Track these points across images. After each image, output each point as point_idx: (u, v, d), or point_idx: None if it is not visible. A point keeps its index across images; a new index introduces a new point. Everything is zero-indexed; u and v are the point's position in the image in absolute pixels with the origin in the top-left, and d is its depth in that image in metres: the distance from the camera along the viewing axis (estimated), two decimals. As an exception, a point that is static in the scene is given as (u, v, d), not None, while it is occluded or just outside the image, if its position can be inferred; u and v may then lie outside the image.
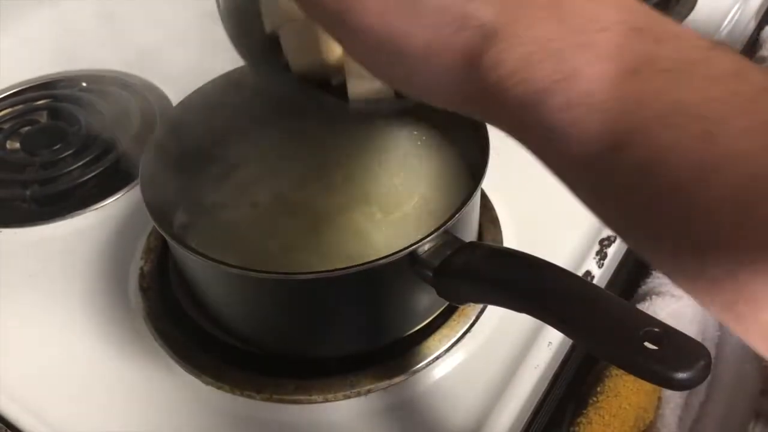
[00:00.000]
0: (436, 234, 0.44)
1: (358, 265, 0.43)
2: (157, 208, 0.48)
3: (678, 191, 0.23)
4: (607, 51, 0.24)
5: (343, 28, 0.29)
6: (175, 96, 0.73)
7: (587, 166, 0.25)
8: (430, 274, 0.44)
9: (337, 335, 0.50)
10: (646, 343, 0.34)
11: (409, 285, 0.47)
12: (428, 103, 0.30)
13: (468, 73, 0.27)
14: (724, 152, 0.22)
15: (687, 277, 0.25)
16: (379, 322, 0.50)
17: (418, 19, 0.27)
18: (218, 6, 0.41)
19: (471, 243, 0.45)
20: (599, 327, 0.37)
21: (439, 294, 0.45)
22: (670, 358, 0.34)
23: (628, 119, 0.23)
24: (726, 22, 0.79)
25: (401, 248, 0.43)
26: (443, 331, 0.52)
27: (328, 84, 0.40)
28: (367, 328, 0.50)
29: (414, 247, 0.44)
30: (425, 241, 0.44)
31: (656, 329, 0.35)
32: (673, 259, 0.25)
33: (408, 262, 0.44)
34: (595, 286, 0.40)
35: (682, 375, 0.34)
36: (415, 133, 0.59)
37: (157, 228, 0.47)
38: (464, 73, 0.27)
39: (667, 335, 0.34)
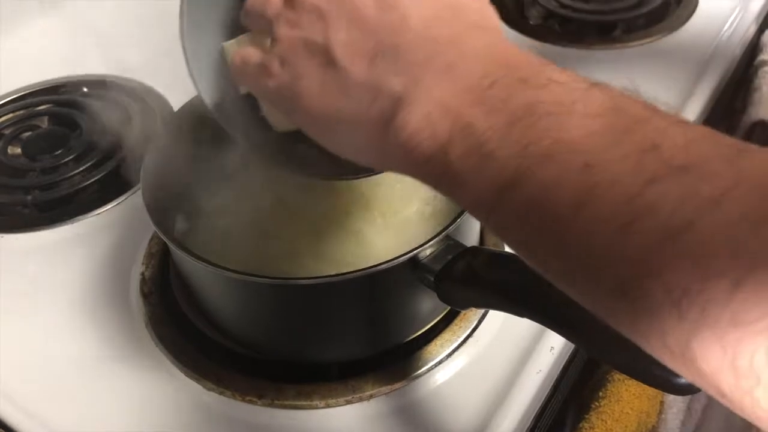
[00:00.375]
0: (437, 239, 0.44)
1: (359, 270, 0.43)
2: (158, 213, 0.48)
3: (563, 218, 0.25)
4: (495, 104, 0.28)
5: (294, 111, 0.35)
6: (177, 101, 0.72)
7: (489, 207, 0.28)
8: (432, 279, 0.44)
9: (339, 340, 0.50)
10: (649, 348, 0.34)
11: (411, 290, 0.47)
12: (365, 165, 0.35)
13: (385, 135, 0.31)
14: (602, 180, 0.25)
15: (588, 301, 0.27)
16: (380, 327, 0.50)
17: (346, 96, 0.33)
18: (188, 67, 0.40)
19: (472, 248, 0.45)
20: (601, 331, 0.37)
21: (441, 299, 0.45)
22: (672, 362, 0.34)
23: (517, 161, 0.27)
24: (726, 26, 0.79)
25: (402, 253, 0.43)
26: (445, 335, 0.51)
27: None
28: (368, 333, 0.50)
29: (415, 251, 0.44)
30: (426, 245, 0.44)
31: (658, 334, 0.34)
32: (571, 283, 0.27)
33: (409, 267, 0.44)
34: (597, 291, 0.40)
35: (684, 380, 0.33)
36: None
37: (158, 233, 0.47)
38: (382, 135, 0.31)
39: (670, 340, 0.34)
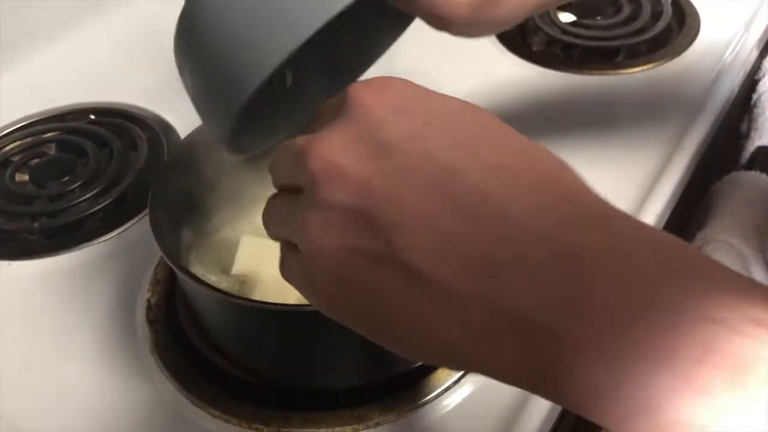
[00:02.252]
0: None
1: (366, 296, 0.43)
2: (165, 239, 0.48)
3: None
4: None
5: (377, 337, 0.30)
6: (183, 128, 0.73)
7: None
8: (439, 305, 0.44)
9: (346, 367, 0.50)
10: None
11: (418, 316, 0.46)
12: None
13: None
14: None
15: None
16: (387, 353, 0.49)
17: (446, 312, 0.27)
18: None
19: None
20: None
21: (449, 325, 0.45)
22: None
23: None
24: (728, 52, 0.79)
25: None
26: (452, 362, 0.51)
27: None
28: (375, 359, 0.50)
29: (423, 277, 0.43)
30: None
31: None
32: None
33: (417, 293, 0.44)
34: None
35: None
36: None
37: (165, 259, 0.47)
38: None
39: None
